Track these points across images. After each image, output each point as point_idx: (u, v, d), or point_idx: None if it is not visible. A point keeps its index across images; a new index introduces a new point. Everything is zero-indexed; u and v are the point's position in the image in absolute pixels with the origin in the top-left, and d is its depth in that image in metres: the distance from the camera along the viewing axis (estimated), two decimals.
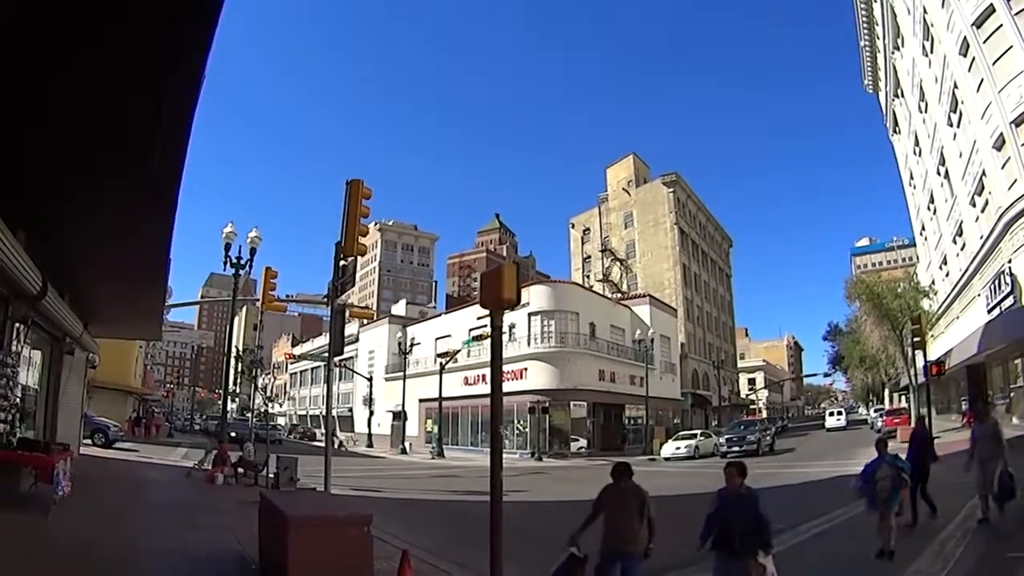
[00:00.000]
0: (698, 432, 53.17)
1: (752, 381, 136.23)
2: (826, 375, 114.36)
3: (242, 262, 28.07)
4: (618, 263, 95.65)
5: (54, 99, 7.75)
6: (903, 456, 13.58)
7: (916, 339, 35.55)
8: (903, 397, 64.18)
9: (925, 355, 36.07)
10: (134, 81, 7.40)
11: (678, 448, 47.57)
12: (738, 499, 8.24)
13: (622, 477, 8.58)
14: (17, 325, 14.92)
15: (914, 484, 14.27)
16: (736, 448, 44.94)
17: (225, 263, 28.14)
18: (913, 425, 16.89)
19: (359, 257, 17.59)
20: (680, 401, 75.68)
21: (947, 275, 45.47)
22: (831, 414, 79.34)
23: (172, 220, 11.79)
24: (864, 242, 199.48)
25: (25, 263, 12.12)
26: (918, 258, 62.92)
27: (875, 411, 70.90)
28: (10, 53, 6.93)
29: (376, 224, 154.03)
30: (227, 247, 27.65)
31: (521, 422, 54.49)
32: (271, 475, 23.21)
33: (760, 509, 8.10)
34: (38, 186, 10.58)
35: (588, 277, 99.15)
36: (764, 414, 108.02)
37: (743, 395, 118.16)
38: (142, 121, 8.05)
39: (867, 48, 58.22)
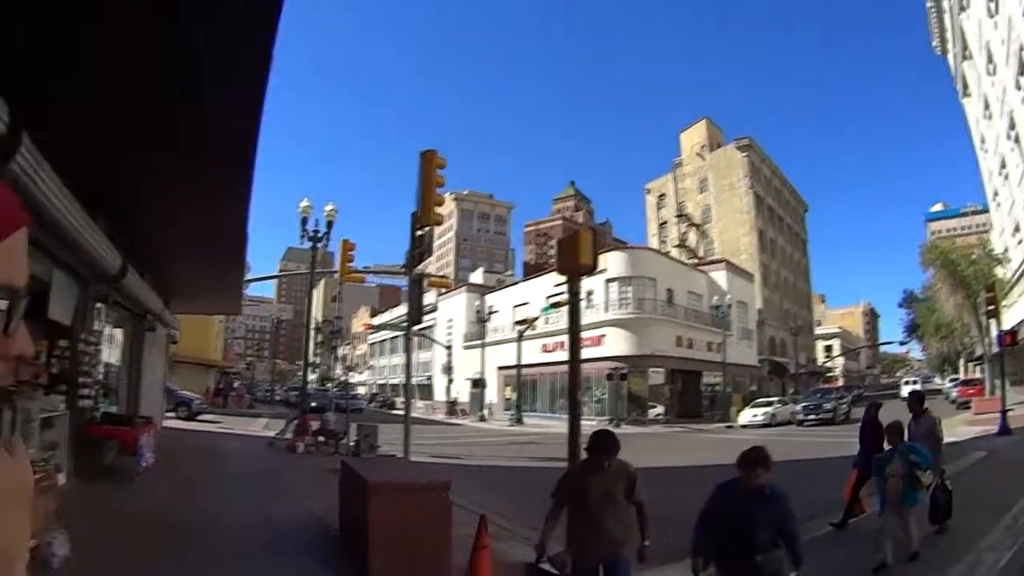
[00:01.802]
0: (775, 399, 52.72)
1: (828, 348, 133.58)
2: (902, 343, 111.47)
3: (319, 235, 28.44)
4: (694, 228, 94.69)
5: (129, 76, 7.79)
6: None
7: (990, 308, 34.62)
8: (978, 367, 62.66)
9: (999, 324, 35.18)
10: (210, 51, 7.45)
11: (755, 415, 47.46)
12: (759, 501, 5.93)
13: (606, 453, 6.35)
14: (98, 305, 15.40)
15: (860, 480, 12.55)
16: (812, 416, 44.65)
17: (302, 237, 28.60)
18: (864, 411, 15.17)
19: (436, 227, 17.64)
20: (757, 368, 74.70)
21: (1020, 242, 44.28)
22: (906, 383, 76.47)
23: (248, 197, 12.00)
24: (939, 207, 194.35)
25: (104, 246, 12.43)
26: (991, 224, 61.13)
27: (949, 381, 68.28)
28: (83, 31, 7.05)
29: (452, 194, 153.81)
30: (304, 221, 28.06)
31: (599, 389, 54.64)
32: (351, 443, 23.69)
33: (791, 514, 6.04)
34: (116, 171, 10.84)
35: (664, 243, 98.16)
36: (840, 382, 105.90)
37: (819, 363, 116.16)
38: (213, 83, 8.06)
39: (933, 9, 56.67)
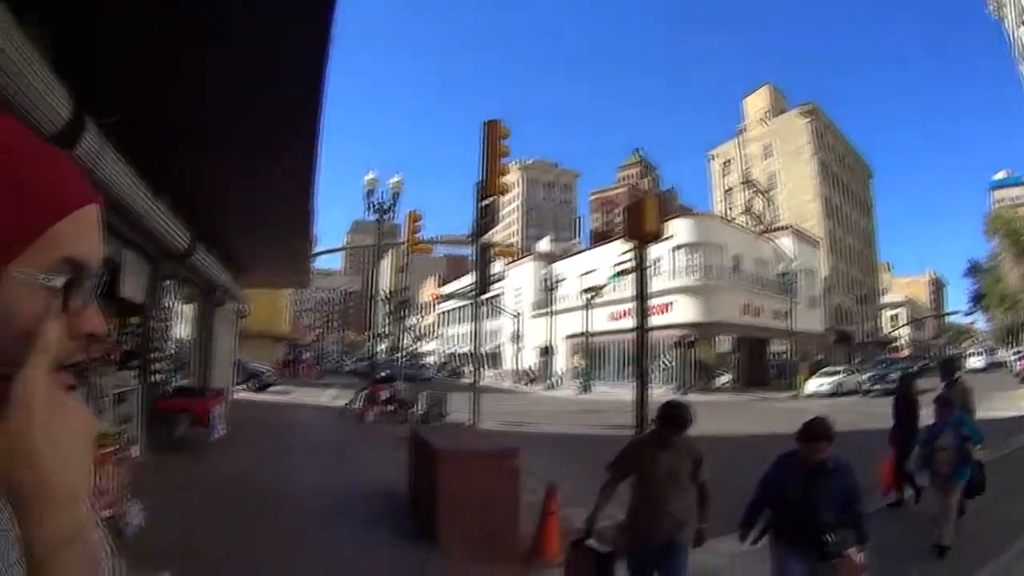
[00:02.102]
0: (841, 368, 52.12)
1: (894, 318, 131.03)
2: (967, 314, 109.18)
3: (385, 208, 28.66)
4: (760, 195, 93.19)
5: (181, 50, 7.83)
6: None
7: None
8: None
9: None
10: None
11: (821, 385, 46.86)
12: (822, 476, 5.51)
13: (678, 428, 5.82)
14: (168, 282, 15.77)
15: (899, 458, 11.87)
16: (878, 387, 43.91)
17: (368, 210, 28.88)
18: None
19: (501, 196, 17.70)
20: (823, 336, 73.37)
21: None
22: (971, 354, 75.15)
23: (314, 172, 12.03)
24: (1003, 174, 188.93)
25: (171, 224, 12.69)
26: None
27: (1013, 354, 66.05)
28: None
29: (517, 163, 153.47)
30: (369, 194, 28.31)
31: (667, 357, 54.33)
32: (421, 412, 24.02)
33: (857, 489, 5.64)
34: (179, 148, 11.02)
35: (730, 210, 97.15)
36: (906, 352, 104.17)
37: (885, 332, 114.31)
38: (275, 56, 8.04)
39: None
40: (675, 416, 5.82)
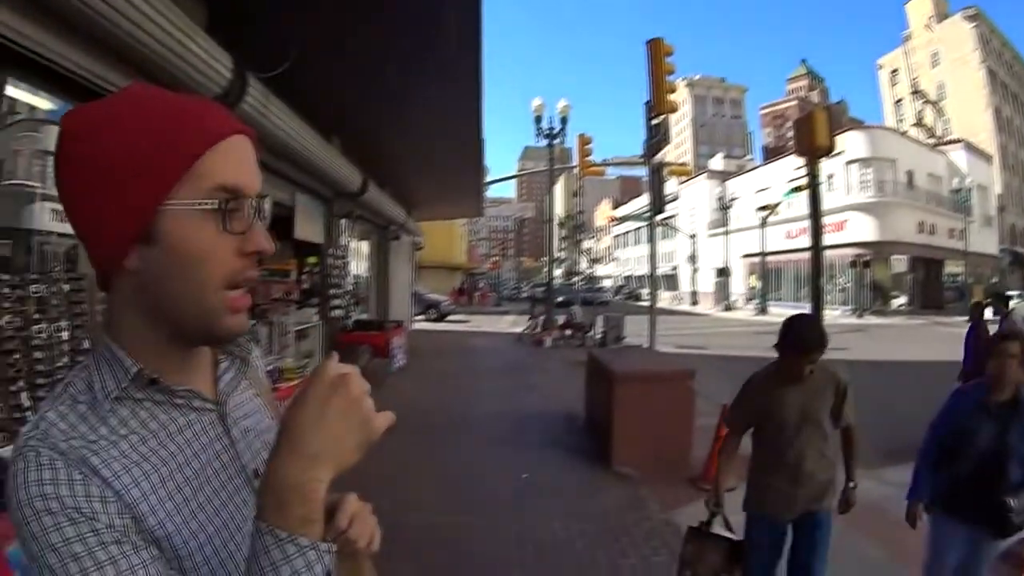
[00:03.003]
0: (1014, 293, 49.32)
1: None
2: None
3: (555, 132, 28.60)
4: (930, 106, 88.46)
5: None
6: None
7: None
8: None
9: None
10: None
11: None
12: (1016, 413, 3.99)
13: (807, 351, 4.16)
14: (343, 220, 16.34)
15: None
16: None
17: (538, 135, 28.98)
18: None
19: (671, 115, 17.49)
20: (997, 258, 69.05)
21: None
22: None
23: (480, 101, 12.18)
24: None
25: (342, 166, 13.09)
26: None
27: None
28: None
29: (684, 80, 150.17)
30: (538, 120, 28.33)
31: (842, 277, 52.47)
32: (598, 335, 24.21)
33: None
34: (346, 92, 11.20)
35: (901, 122, 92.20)
36: None
37: None
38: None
39: None
40: (803, 334, 4.18)
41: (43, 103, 5.76)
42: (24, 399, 4.64)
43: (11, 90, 5.27)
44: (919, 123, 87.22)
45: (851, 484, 4.47)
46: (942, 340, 28.27)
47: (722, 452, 4.69)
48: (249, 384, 1.38)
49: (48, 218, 5.76)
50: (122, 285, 1.09)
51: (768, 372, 4.51)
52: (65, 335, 5.04)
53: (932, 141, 72.35)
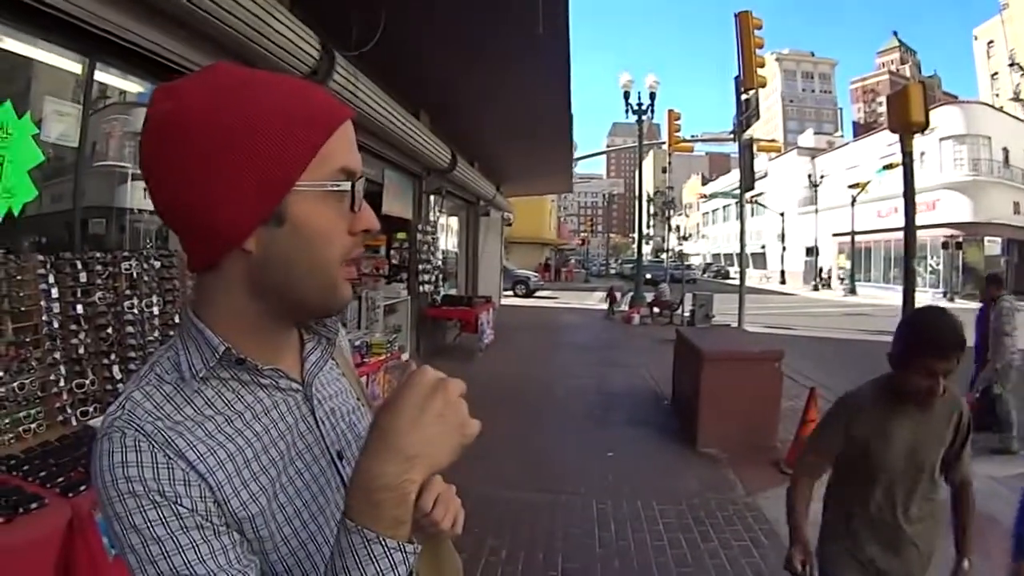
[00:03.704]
0: None
1: None
2: None
3: (643, 108, 28.51)
4: None
5: None
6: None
7: None
8: None
9: None
10: None
11: None
12: None
13: (941, 359, 2.80)
14: (432, 196, 16.45)
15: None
16: None
17: (627, 111, 28.83)
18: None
19: (760, 89, 17.26)
20: None
21: None
22: None
23: (568, 78, 12.04)
24: None
25: (430, 141, 13.08)
26: None
27: None
28: None
29: (772, 54, 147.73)
30: (626, 96, 28.19)
31: (934, 258, 50.99)
32: (686, 313, 23.92)
33: None
34: (434, 68, 11.22)
35: (997, 96, 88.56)
36: None
37: None
38: None
39: None
40: (942, 334, 2.85)
41: (132, 86, 5.92)
42: (116, 372, 4.79)
43: (100, 75, 5.38)
44: (1016, 97, 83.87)
45: (965, 563, 3.07)
46: None
47: (796, 492, 3.29)
48: (335, 365, 1.40)
49: (139, 197, 5.95)
50: (230, 266, 1.10)
51: (877, 390, 3.16)
52: (156, 310, 5.19)
53: None
